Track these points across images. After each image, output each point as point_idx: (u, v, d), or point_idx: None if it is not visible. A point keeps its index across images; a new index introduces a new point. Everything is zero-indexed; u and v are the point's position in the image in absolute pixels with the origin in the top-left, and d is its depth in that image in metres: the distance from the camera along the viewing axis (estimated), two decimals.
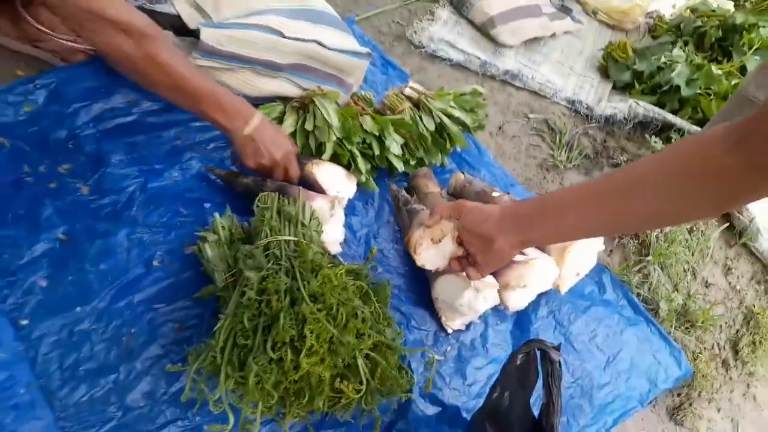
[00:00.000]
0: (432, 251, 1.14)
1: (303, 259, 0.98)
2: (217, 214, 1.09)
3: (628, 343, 1.37)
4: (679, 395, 1.50)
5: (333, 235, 1.22)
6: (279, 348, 0.89)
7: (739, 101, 1.51)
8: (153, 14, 1.35)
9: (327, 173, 1.31)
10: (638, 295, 1.50)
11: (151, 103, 1.32)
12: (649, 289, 1.51)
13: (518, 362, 0.94)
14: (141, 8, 1.34)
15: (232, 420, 0.88)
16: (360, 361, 0.95)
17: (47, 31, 1.25)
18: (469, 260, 1.09)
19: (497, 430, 0.99)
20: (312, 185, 1.30)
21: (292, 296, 0.94)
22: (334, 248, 1.24)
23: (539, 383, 0.95)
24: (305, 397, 0.93)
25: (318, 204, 1.17)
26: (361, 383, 0.95)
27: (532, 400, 1.00)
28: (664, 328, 1.45)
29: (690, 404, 1.48)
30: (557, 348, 0.93)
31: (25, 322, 0.98)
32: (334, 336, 0.92)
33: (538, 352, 0.95)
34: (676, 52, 1.86)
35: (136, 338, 1.02)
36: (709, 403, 1.51)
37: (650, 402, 1.37)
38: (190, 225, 1.17)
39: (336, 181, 1.32)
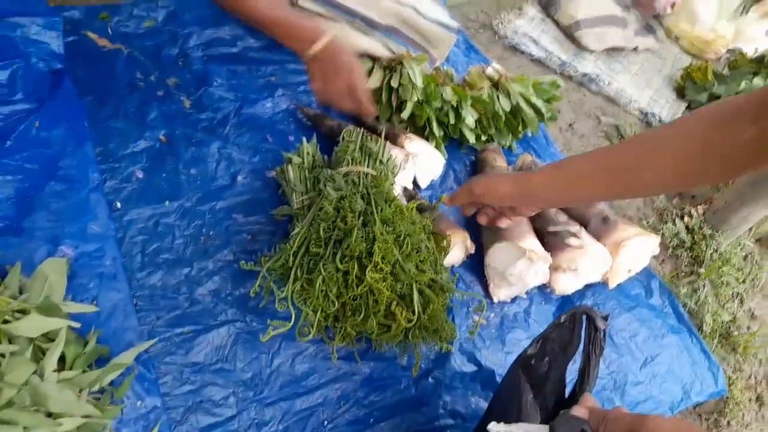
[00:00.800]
0: None
1: (379, 189, 1.04)
2: (304, 139, 1.16)
3: (667, 349, 1.38)
4: (707, 419, 1.49)
5: (401, 185, 1.28)
6: (347, 261, 0.95)
7: None
8: None
9: (418, 148, 1.38)
10: (684, 305, 1.50)
11: (254, 40, 1.42)
12: (696, 302, 1.51)
13: (563, 322, 0.96)
14: None
15: (293, 317, 0.94)
16: (415, 293, 1.00)
17: None
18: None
19: (532, 387, 1.01)
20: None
21: (365, 219, 1.00)
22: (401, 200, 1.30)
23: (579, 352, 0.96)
24: (360, 315, 0.99)
25: (394, 153, 1.23)
26: (413, 313, 1.00)
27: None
28: (707, 343, 1.45)
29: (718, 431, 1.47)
30: (605, 318, 0.94)
31: (119, 204, 1.08)
32: (398, 260, 0.98)
33: (584, 318, 0.97)
34: (757, 81, 1.86)
35: (213, 240, 1.10)
36: None
37: (679, 411, 1.37)
38: (274, 152, 1.25)
39: (427, 157, 1.38)
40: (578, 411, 0.73)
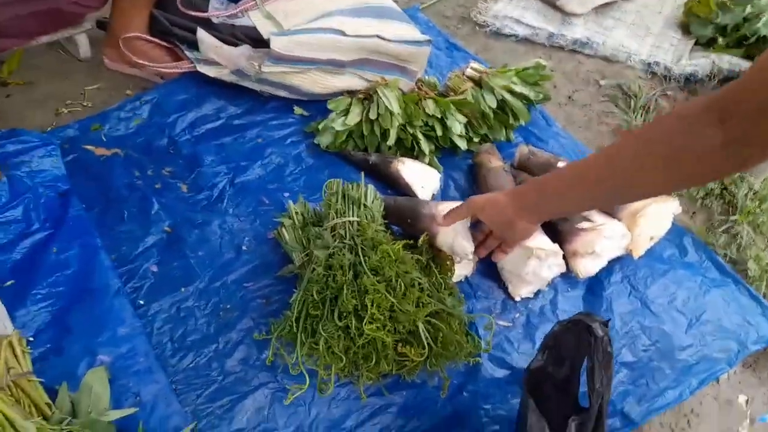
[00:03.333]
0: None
1: (364, 237, 1.08)
2: (290, 202, 1.22)
3: (712, 305, 1.32)
4: None
5: None
6: (345, 317, 1.00)
7: None
8: (233, 28, 1.52)
9: (411, 169, 1.41)
10: (725, 256, 1.43)
11: (235, 108, 1.49)
12: (738, 249, 1.44)
13: (558, 330, 0.95)
14: (222, 24, 1.51)
15: (308, 380, 1.00)
16: (421, 327, 1.03)
17: (144, 62, 1.46)
18: (488, 243, 1.20)
19: (558, 391, 1.02)
20: (397, 181, 1.41)
21: (355, 270, 1.04)
22: None
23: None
24: (373, 361, 1.03)
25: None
26: (423, 348, 1.04)
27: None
28: (755, 288, 1.38)
29: None
30: (605, 323, 0.92)
31: (142, 302, 1.18)
32: (394, 304, 1.01)
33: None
34: (764, 1, 1.72)
35: (231, 312, 1.18)
36: None
37: (740, 362, 1.32)
38: (272, 213, 1.32)
39: (420, 175, 1.41)
40: None
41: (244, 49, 1.47)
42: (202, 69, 1.49)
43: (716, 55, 1.71)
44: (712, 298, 1.33)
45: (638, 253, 1.34)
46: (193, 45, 1.50)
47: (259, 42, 1.48)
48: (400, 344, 1.03)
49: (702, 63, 1.70)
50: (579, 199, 1.00)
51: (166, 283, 1.20)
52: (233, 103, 1.49)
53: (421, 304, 1.05)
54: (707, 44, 1.83)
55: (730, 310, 1.33)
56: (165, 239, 1.25)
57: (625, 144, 0.91)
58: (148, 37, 1.52)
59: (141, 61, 1.48)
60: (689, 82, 1.72)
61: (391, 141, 1.42)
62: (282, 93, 1.53)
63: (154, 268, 1.21)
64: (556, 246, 1.24)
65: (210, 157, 1.38)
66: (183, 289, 1.19)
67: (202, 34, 1.47)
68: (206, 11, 1.52)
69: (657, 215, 1.34)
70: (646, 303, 1.31)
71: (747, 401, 1.32)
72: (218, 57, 1.47)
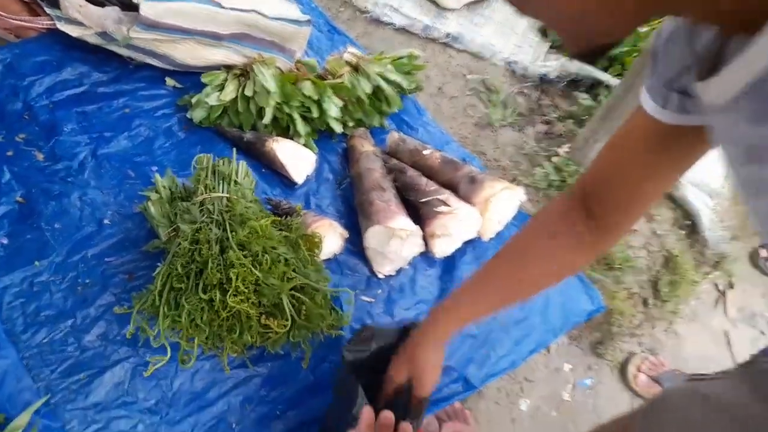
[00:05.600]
0: None
1: (233, 213, 1.11)
2: (157, 175, 1.21)
3: None
4: (600, 331, 1.66)
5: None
6: (210, 290, 1.03)
7: (645, 55, 1.62)
8: None
9: (286, 149, 1.43)
10: None
11: (101, 74, 1.42)
12: None
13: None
14: None
15: (169, 353, 1.02)
16: (285, 300, 1.09)
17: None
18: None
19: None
20: (273, 161, 1.42)
21: (222, 245, 1.07)
22: None
23: None
24: (237, 333, 1.07)
25: None
26: (287, 320, 1.09)
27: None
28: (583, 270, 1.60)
29: (611, 339, 1.64)
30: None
31: None
32: (259, 278, 1.05)
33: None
34: None
35: (90, 287, 1.16)
36: (631, 337, 1.67)
37: (566, 335, 1.53)
38: (139, 187, 1.29)
39: (295, 155, 1.44)
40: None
41: (111, 11, 1.40)
42: (63, 28, 1.39)
43: (566, 59, 1.91)
44: None
45: (488, 235, 1.49)
46: (55, 2, 1.40)
47: (128, 6, 1.42)
48: (264, 316, 1.08)
49: (554, 65, 1.90)
50: (483, 311, 0.94)
51: (18, 256, 1.14)
52: (98, 69, 1.42)
53: (286, 279, 1.10)
54: (561, 48, 2.03)
55: (558, 288, 1.53)
56: (17, 210, 1.18)
57: (504, 256, 0.88)
58: None
59: None
60: (543, 81, 1.92)
61: (267, 119, 1.44)
62: (153, 61, 1.48)
63: (4, 240, 1.15)
64: (416, 227, 1.35)
65: (70, 125, 1.31)
66: (37, 263, 1.14)
67: None
68: None
69: (505, 202, 1.50)
70: None
71: (571, 369, 1.54)
72: (82, 17, 1.39)
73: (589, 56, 0.56)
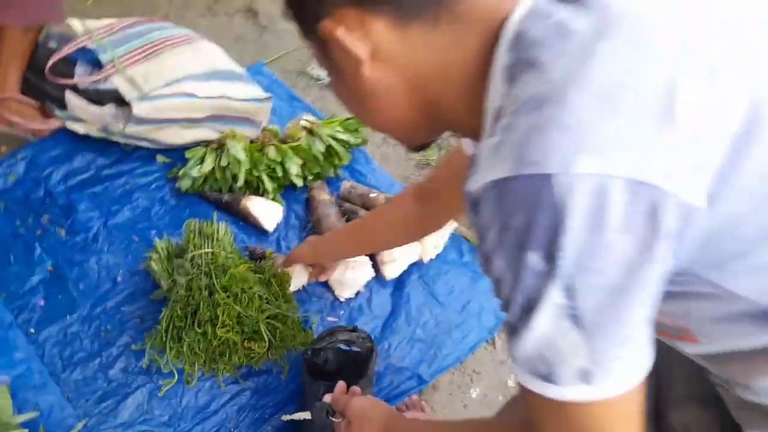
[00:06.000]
0: None
1: (216, 264, 1.44)
2: (156, 239, 1.55)
3: (479, 292, 1.82)
4: None
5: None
6: (203, 325, 1.36)
7: None
8: (98, 93, 1.79)
9: (257, 204, 1.78)
10: None
11: (104, 160, 1.77)
12: None
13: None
14: (87, 90, 1.78)
15: (176, 375, 1.35)
16: (262, 327, 1.42)
17: (18, 120, 1.69)
18: None
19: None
20: (248, 215, 1.77)
21: (210, 290, 1.40)
22: None
23: None
24: (227, 356, 1.40)
25: None
26: (265, 342, 1.42)
27: None
28: None
29: None
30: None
31: (32, 330, 1.44)
32: (240, 313, 1.39)
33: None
34: None
35: (111, 332, 1.49)
36: None
37: (498, 332, 1.84)
38: (143, 248, 1.62)
39: (265, 209, 1.78)
40: (327, 398, 1.15)
41: (109, 109, 1.75)
42: (72, 126, 1.75)
43: None
44: (479, 287, 1.85)
45: (427, 258, 1.82)
46: (63, 105, 1.75)
47: (122, 102, 1.77)
48: (247, 341, 1.41)
49: None
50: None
51: (53, 313, 1.47)
52: (102, 155, 1.77)
53: (262, 311, 1.44)
54: None
55: (490, 296, 1.85)
56: (49, 277, 1.51)
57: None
58: (22, 97, 1.75)
59: (15, 120, 1.70)
60: None
61: (240, 183, 1.78)
62: (145, 144, 1.83)
63: (41, 302, 1.48)
64: (365, 257, 1.69)
65: (84, 204, 1.65)
66: (68, 317, 1.47)
67: (70, 96, 1.73)
68: (72, 77, 1.78)
69: (439, 233, 1.83)
70: (434, 295, 1.80)
71: None
72: (86, 116, 1.74)
73: (420, 149, 0.91)
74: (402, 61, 0.70)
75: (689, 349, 0.77)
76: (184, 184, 1.78)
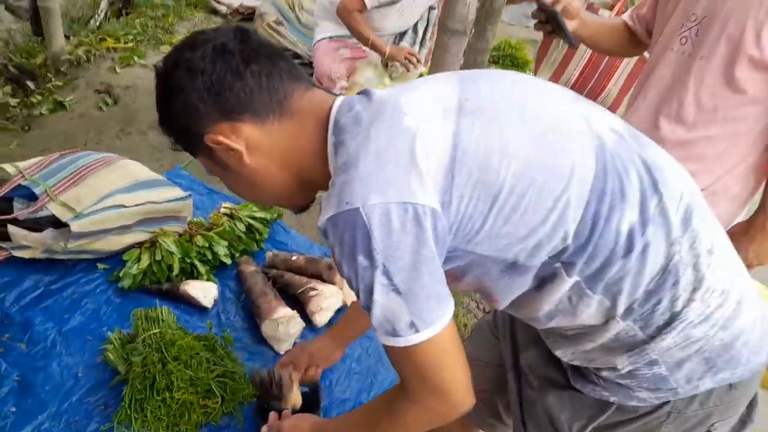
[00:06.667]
0: None
1: (165, 340, 1.70)
2: (110, 333, 1.78)
3: None
4: None
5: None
6: (161, 393, 1.60)
7: None
8: (37, 221, 2.05)
9: (194, 287, 2.04)
10: None
11: (51, 277, 2.00)
12: None
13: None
14: (26, 220, 2.03)
15: None
16: (213, 385, 1.67)
17: None
18: None
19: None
20: (187, 298, 2.02)
21: (163, 362, 1.65)
22: None
23: None
24: (187, 416, 1.63)
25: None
26: (218, 399, 1.67)
27: None
28: None
29: None
30: None
31: None
32: (192, 376, 1.63)
33: None
34: None
35: (80, 422, 1.68)
36: None
37: None
38: (97, 343, 1.85)
39: (201, 289, 2.05)
40: (264, 428, 1.43)
41: (48, 233, 2.01)
42: (18, 254, 1.98)
43: None
44: None
45: (350, 302, 2.13)
46: (7, 238, 1.99)
47: (59, 224, 2.03)
48: (202, 400, 1.65)
49: None
50: None
51: (25, 417, 1.65)
52: (48, 273, 2.00)
53: (211, 371, 1.69)
54: None
55: None
56: (17, 386, 1.70)
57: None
58: None
59: None
60: None
61: (175, 272, 2.06)
62: (86, 256, 2.08)
63: (13, 409, 1.66)
64: (292, 312, 1.97)
65: (38, 318, 1.87)
66: (40, 417, 1.66)
67: (12, 229, 1.97)
68: (11, 213, 2.03)
69: None
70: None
71: None
72: (29, 242, 1.99)
73: (304, 209, 1.24)
74: (269, 148, 1.06)
75: (500, 306, 1.12)
76: (126, 282, 2.04)
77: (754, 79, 1.46)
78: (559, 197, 0.91)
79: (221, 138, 1.03)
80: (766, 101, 1.48)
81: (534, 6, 1.67)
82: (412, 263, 0.90)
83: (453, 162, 0.91)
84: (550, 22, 1.67)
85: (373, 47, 3.32)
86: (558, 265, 0.97)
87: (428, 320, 0.93)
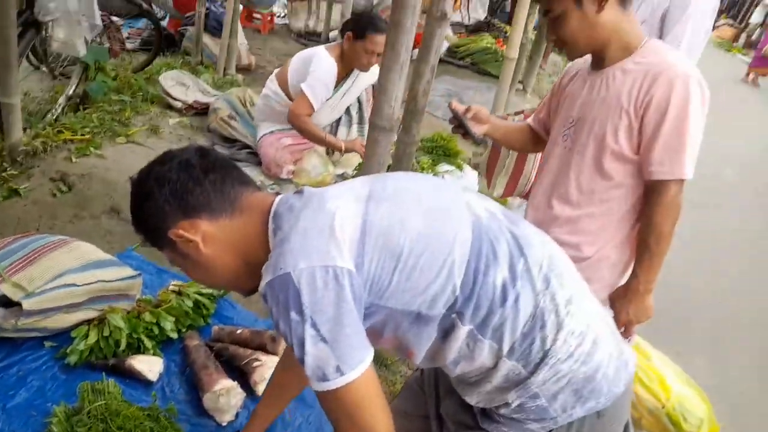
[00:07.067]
0: None
1: (110, 411, 1.78)
2: (55, 407, 1.85)
3: None
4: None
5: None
6: None
7: None
8: None
9: (140, 361, 2.14)
10: None
11: None
12: None
13: None
14: None
15: None
16: None
17: None
18: None
19: None
20: (133, 372, 2.11)
21: None
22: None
23: None
24: None
25: None
26: None
27: None
28: None
29: None
30: None
31: None
32: None
33: None
34: None
35: None
36: None
37: None
38: (42, 418, 1.90)
39: (147, 363, 2.14)
40: None
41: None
42: None
43: None
44: None
45: None
46: None
47: (9, 303, 2.12)
48: None
49: None
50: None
51: None
52: None
53: None
54: None
55: None
56: None
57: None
58: None
59: None
60: None
61: (122, 347, 2.15)
62: (34, 334, 2.16)
63: None
64: (232, 383, 2.09)
65: None
66: None
67: None
68: None
69: None
70: (302, 399, 2.21)
71: None
72: None
73: (251, 293, 1.43)
74: (221, 239, 1.28)
75: (417, 359, 1.33)
76: (72, 358, 2.11)
77: (617, 169, 1.82)
78: (447, 257, 1.16)
79: (182, 231, 1.24)
80: (629, 185, 1.83)
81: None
82: (335, 315, 1.11)
83: (363, 234, 1.15)
84: (462, 126, 2.03)
85: (329, 145, 3.73)
86: (454, 315, 1.20)
87: (352, 364, 1.12)
